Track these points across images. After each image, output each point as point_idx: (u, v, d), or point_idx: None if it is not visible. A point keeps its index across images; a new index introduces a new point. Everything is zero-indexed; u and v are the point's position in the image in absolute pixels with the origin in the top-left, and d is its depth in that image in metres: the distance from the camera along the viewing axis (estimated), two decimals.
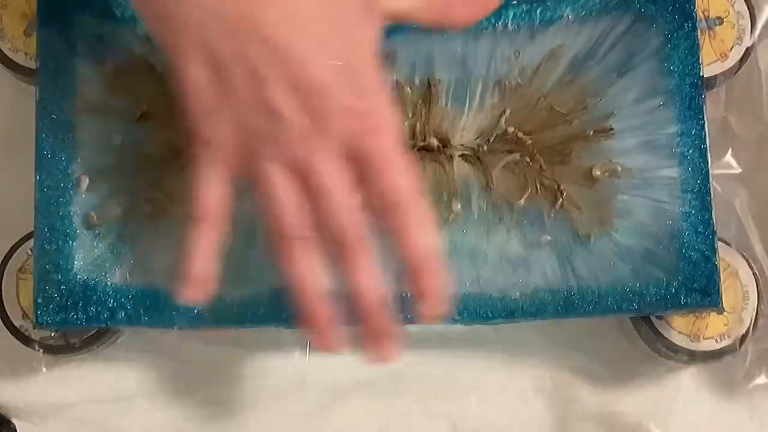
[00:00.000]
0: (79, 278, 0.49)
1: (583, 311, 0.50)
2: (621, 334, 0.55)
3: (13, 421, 0.54)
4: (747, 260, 0.53)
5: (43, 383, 0.54)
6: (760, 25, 0.54)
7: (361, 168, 0.42)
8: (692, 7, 0.51)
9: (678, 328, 0.52)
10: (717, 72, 0.54)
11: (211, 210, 0.43)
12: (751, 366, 0.54)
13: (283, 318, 0.50)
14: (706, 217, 0.50)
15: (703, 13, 0.54)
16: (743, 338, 0.52)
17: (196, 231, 0.43)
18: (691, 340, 0.52)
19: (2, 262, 0.52)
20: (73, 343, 0.52)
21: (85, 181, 0.50)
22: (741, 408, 0.54)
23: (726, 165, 0.56)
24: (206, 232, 0.43)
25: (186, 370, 0.55)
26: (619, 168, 0.51)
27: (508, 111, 0.52)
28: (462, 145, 0.52)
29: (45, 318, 0.49)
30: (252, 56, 0.40)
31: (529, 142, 0.52)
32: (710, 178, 0.50)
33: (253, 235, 0.51)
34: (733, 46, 0.54)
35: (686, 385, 0.55)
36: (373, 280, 0.42)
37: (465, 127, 0.52)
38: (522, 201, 0.51)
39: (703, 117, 0.50)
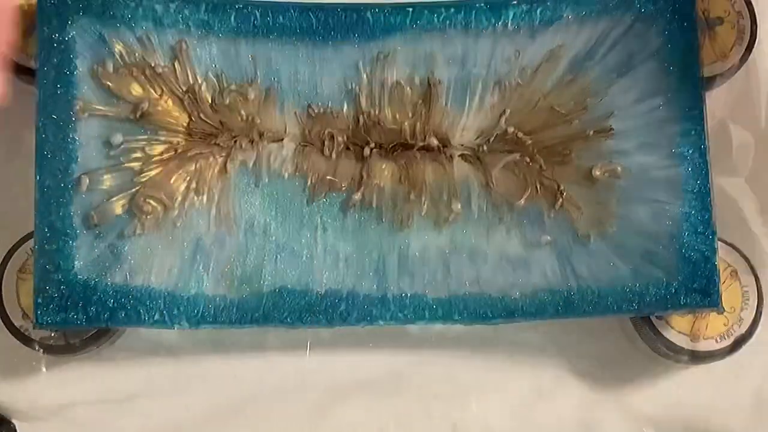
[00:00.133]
0: (79, 278, 0.49)
1: (583, 311, 0.50)
2: (621, 334, 0.55)
3: (13, 421, 0.54)
4: (747, 260, 0.53)
5: (43, 383, 0.54)
6: (760, 25, 0.54)
7: None
8: (692, 7, 0.51)
9: (678, 328, 0.52)
10: (717, 72, 0.54)
11: None
12: (750, 366, 0.54)
13: (283, 318, 0.50)
14: (706, 217, 0.50)
15: (703, 13, 0.54)
16: (743, 338, 0.52)
17: None
18: (691, 340, 0.52)
19: (2, 262, 0.52)
20: (73, 343, 0.52)
21: (85, 181, 0.50)
22: (741, 408, 0.54)
23: (726, 165, 0.56)
24: None
25: (186, 370, 0.55)
26: (619, 168, 0.51)
27: (508, 111, 0.52)
28: (462, 145, 0.52)
29: (45, 318, 0.49)
30: None
31: (529, 142, 0.52)
32: (710, 178, 0.50)
33: (254, 234, 0.51)
34: (733, 46, 0.54)
35: (686, 385, 0.55)
36: None
37: (465, 127, 0.52)
38: (522, 201, 0.51)
39: (703, 117, 0.50)
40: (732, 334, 0.52)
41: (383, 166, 0.52)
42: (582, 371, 0.55)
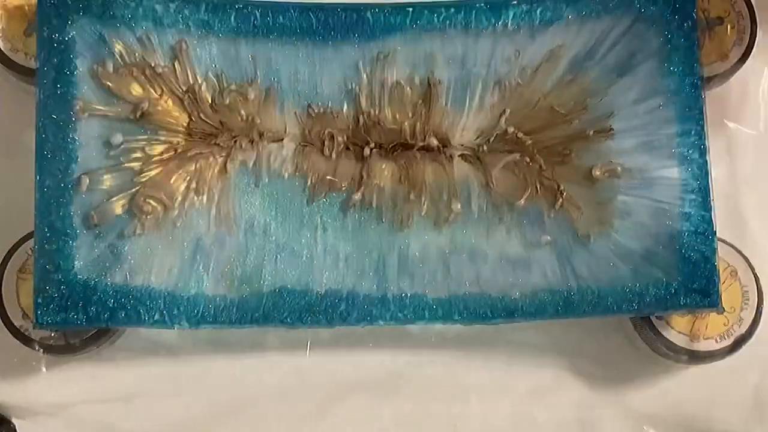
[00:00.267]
0: (79, 278, 0.49)
1: (583, 311, 0.50)
2: (621, 334, 0.55)
3: (13, 420, 0.54)
4: (747, 260, 0.53)
5: (43, 383, 0.54)
6: (760, 25, 0.54)
7: None
8: (692, 7, 0.51)
9: (678, 328, 0.52)
10: (717, 72, 0.54)
11: None
12: (750, 366, 0.54)
13: (283, 318, 0.50)
14: (706, 217, 0.50)
15: (703, 13, 0.54)
16: (743, 338, 0.52)
17: None
18: (691, 340, 0.52)
19: (2, 262, 0.52)
20: (73, 343, 0.52)
21: (85, 181, 0.50)
22: (741, 408, 0.54)
23: (726, 165, 0.56)
24: None
25: (185, 370, 0.55)
26: (619, 168, 0.51)
27: (508, 111, 0.52)
28: (462, 145, 0.52)
29: (45, 318, 0.49)
30: None
31: (529, 142, 0.52)
32: (710, 178, 0.50)
33: (254, 234, 0.51)
34: (733, 46, 0.54)
35: (686, 385, 0.55)
36: None
37: (465, 127, 0.52)
38: (522, 201, 0.51)
39: (703, 117, 0.50)
40: (732, 334, 0.52)
41: (383, 166, 0.52)
42: (582, 371, 0.55)
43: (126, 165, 0.50)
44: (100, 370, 0.55)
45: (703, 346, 0.52)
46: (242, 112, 0.52)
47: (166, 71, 0.51)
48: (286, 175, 0.52)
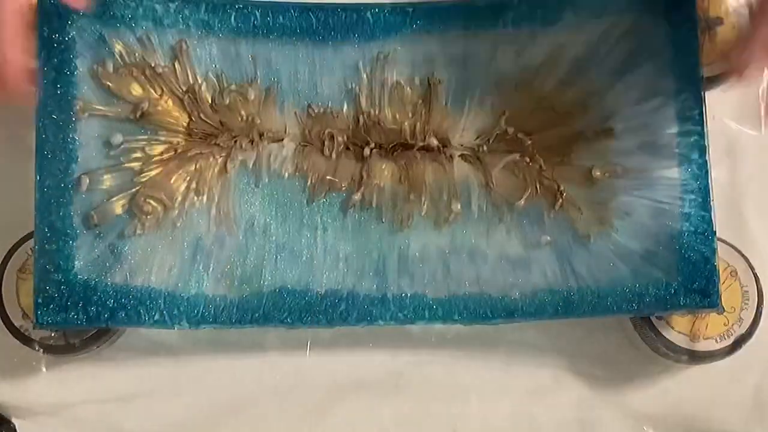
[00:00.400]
0: (79, 278, 0.49)
1: (583, 311, 0.50)
2: (621, 334, 0.55)
3: (13, 421, 0.54)
4: (747, 260, 0.53)
5: (43, 383, 0.54)
6: None
7: None
8: (692, 7, 0.51)
9: (678, 328, 0.52)
10: (717, 72, 0.54)
11: None
12: (750, 366, 0.54)
13: (283, 318, 0.50)
14: (706, 217, 0.50)
15: (703, 13, 0.54)
16: (743, 338, 0.52)
17: None
18: (691, 340, 0.52)
19: (2, 262, 0.52)
20: (73, 343, 0.52)
21: (85, 181, 0.50)
22: (741, 408, 0.54)
23: (726, 165, 0.56)
24: None
25: (185, 370, 0.55)
26: (619, 168, 0.51)
27: (508, 111, 0.52)
28: (462, 145, 0.52)
29: (45, 318, 0.49)
30: None
31: (529, 142, 0.52)
32: (710, 178, 0.50)
33: (254, 233, 0.51)
34: (733, 47, 0.54)
35: (686, 385, 0.55)
36: None
37: (465, 127, 0.52)
38: (522, 201, 0.51)
39: (703, 117, 0.50)
40: (732, 334, 0.52)
41: (383, 166, 0.52)
42: (582, 371, 0.55)
43: (126, 165, 0.50)
44: (100, 370, 0.55)
45: (703, 346, 0.52)
46: (242, 112, 0.52)
47: (166, 71, 0.51)
48: (286, 175, 0.52)
